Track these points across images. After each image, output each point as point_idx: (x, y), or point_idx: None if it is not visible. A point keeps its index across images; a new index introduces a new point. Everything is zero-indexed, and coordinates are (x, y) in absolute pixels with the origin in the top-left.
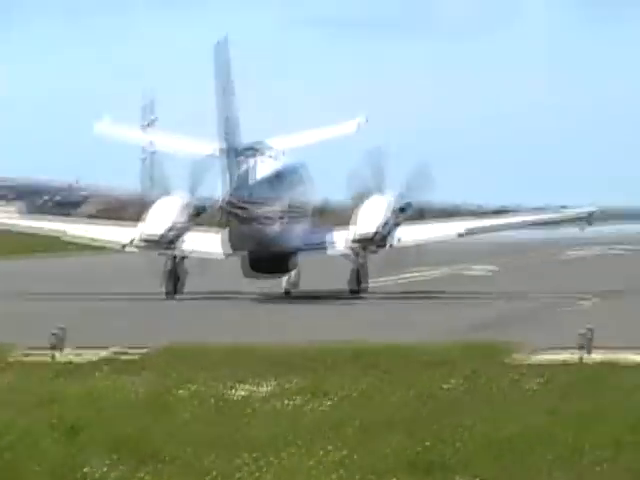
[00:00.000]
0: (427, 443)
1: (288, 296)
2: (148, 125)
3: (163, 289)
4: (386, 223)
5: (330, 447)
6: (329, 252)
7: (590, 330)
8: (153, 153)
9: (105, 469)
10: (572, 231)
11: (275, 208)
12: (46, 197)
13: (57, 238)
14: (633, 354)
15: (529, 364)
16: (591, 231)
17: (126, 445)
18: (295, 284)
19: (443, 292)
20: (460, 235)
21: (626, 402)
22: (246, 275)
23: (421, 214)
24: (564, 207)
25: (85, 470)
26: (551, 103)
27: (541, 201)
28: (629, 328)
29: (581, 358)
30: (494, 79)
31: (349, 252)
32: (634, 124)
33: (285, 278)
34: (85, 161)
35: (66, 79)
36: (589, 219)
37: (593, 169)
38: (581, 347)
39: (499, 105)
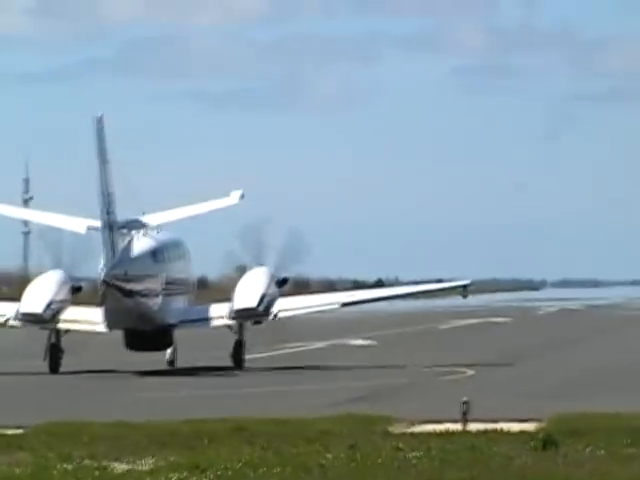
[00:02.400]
0: None
1: (171, 367)
2: (27, 201)
3: (46, 363)
4: (266, 295)
5: None
6: (213, 324)
7: (466, 403)
8: (27, 232)
9: None
10: (450, 302)
11: (153, 284)
12: None
13: None
14: (508, 424)
15: (410, 434)
16: (470, 301)
17: None
18: (172, 362)
19: (322, 366)
20: (339, 306)
21: (502, 471)
22: (129, 349)
23: (300, 288)
24: (439, 280)
25: None
26: (424, 179)
27: (417, 274)
28: (504, 400)
29: (461, 428)
30: (365, 149)
31: (232, 323)
32: (503, 197)
33: (168, 350)
34: None
35: None
36: (464, 291)
37: (467, 243)
38: (460, 418)
39: (375, 177)
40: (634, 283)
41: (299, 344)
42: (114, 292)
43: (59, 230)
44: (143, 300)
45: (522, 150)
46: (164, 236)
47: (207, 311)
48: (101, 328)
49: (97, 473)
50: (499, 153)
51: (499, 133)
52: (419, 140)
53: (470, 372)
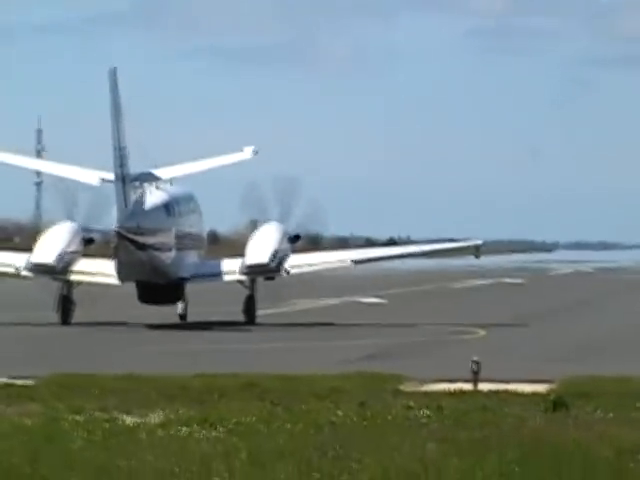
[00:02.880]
0: (317, 474)
1: (183, 321)
2: (39, 152)
3: (58, 315)
4: (278, 251)
5: (218, 478)
6: (225, 279)
7: (477, 363)
8: (40, 183)
9: None
10: (463, 262)
11: (166, 237)
12: None
13: None
14: (520, 385)
15: (421, 393)
16: (483, 261)
17: (16, 473)
18: (184, 316)
19: (334, 323)
20: (351, 263)
21: (513, 432)
22: (142, 301)
23: (312, 245)
24: (452, 240)
25: None
26: (438, 139)
27: (429, 233)
28: (516, 361)
29: (472, 388)
30: (380, 109)
31: (244, 279)
32: (516, 160)
33: (180, 304)
34: None
35: None
36: (477, 251)
37: (480, 203)
38: (470, 378)
39: (388, 137)
40: None
41: (311, 300)
42: (126, 244)
43: (72, 181)
44: (155, 253)
45: (536, 114)
46: (176, 190)
47: (219, 266)
48: (113, 280)
49: (107, 425)
50: (514, 117)
51: (514, 96)
52: (433, 102)
53: (482, 332)
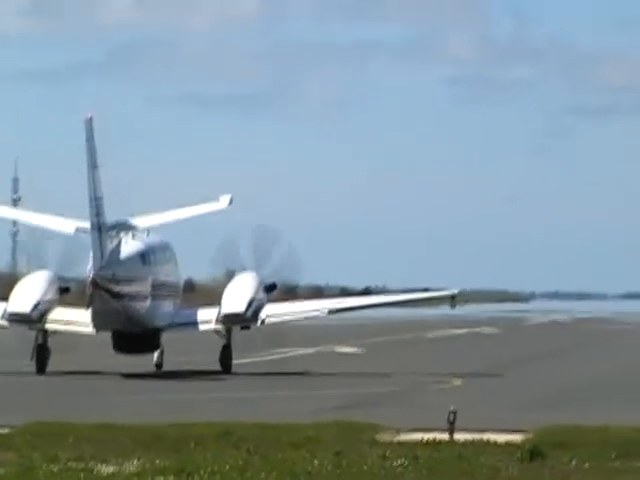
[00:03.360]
0: None
1: (159, 370)
2: (15, 201)
3: (33, 364)
4: (254, 300)
5: None
6: (201, 328)
7: (453, 412)
8: (16, 232)
9: None
10: (439, 312)
11: (142, 286)
12: None
13: None
14: (496, 434)
15: (397, 442)
16: (458, 311)
17: None
18: (159, 365)
19: (309, 372)
20: (328, 313)
21: None
22: (117, 351)
23: (288, 294)
24: (427, 289)
25: None
26: (416, 188)
27: (405, 282)
28: (492, 410)
29: (448, 437)
30: (357, 157)
31: (220, 328)
32: (493, 210)
33: (156, 353)
34: None
35: None
36: (452, 301)
37: (456, 252)
38: (446, 428)
39: (365, 185)
40: (623, 297)
41: (286, 350)
42: (102, 294)
43: (48, 231)
44: (131, 302)
45: (513, 163)
46: (153, 239)
47: (195, 315)
48: (89, 329)
49: (83, 475)
50: (490, 165)
51: (490, 145)
52: (410, 150)
53: (457, 382)
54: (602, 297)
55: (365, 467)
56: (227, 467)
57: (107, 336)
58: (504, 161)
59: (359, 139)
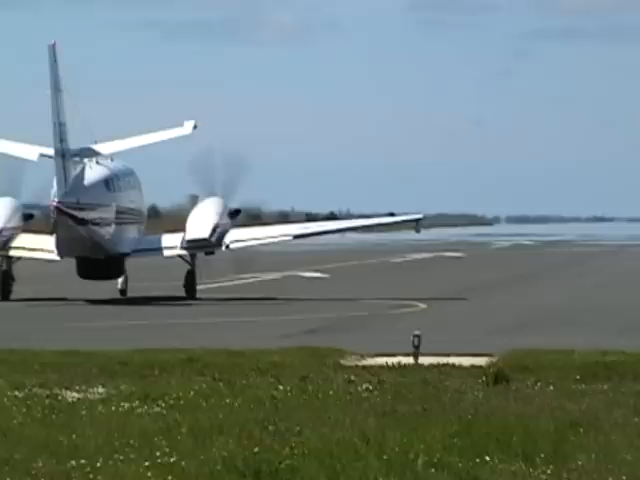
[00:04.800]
0: (257, 448)
1: (123, 296)
2: None
3: None
4: (219, 226)
5: (159, 452)
6: (165, 254)
7: (418, 336)
8: None
9: None
10: (403, 236)
11: (106, 212)
12: None
13: None
14: (460, 358)
15: (362, 367)
16: (423, 235)
17: None
18: (123, 291)
19: (275, 297)
20: (291, 237)
21: (453, 405)
22: (82, 277)
23: (253, 219)
24: (392, 214)
25: None
26: (380, 111)
27: (369, 208)
28: (457, 334)
29: (413, 361)
30: (320, 81)
31: (185, 253)
32: (459, 133)
33: (120, 279)
34: None
35: None
36: (417, 225)
37: (422, 177)
38: (411, 352)
39: (330, 110)
40: (587, 220)
41: (252, 275)
42: (66, 220)
43: (11, 157)
44: (95, 228)
45: (480, 87)
46: (116, 165)
47: (159, 241)
48: (53, 256)
49: (48, 401)
50: (457, 89)
51: (457, 68)
52: (376, 74)
53: (422, 306)
54: (569, 220)
55: (331, 392)
56: (192, 393)
57: (71, 262)
58: (470, 85)
59: (324, 64)
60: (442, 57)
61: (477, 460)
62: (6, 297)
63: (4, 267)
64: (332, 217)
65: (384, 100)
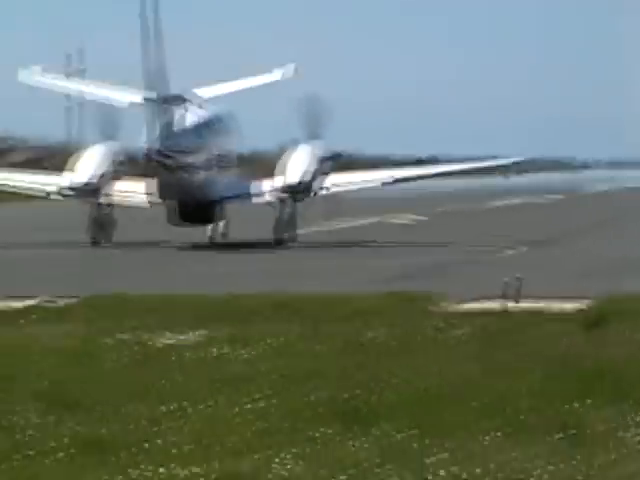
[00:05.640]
0: (353, 392)
1: (213, 244)
2: (75, 74)
3: (89, 237)
4: (312, 172)
5: (250, 398)
6: (254, 201)
7: (518, 279)
8: (79, 103)
9: (27, 418)
10: (499, 181)
11: (201, 157)
12: None
13: None
14: (557, 302)
15: (455, 313)
16: (519, 180)
17: (48, 394)
18: (225, 234)
19: (369, 242)
20: (388, 183)
21: (549, 351)
22: (171, 223)
23: (350, 164)
24: (493, 157)
25: (6, 419)
26: (483, 54)
27: (470, 151)
28: (554, 278)
29: (507, 307)
30: (423, 30)
31: (274, 200)
32: (565, 79)
33: (210, 226)
34: (8, 111)
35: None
36: (517, 169)
37: (522, 121)
38: (508, 296)
39: (428, 55)
40: None
41: (345, 220)
42: (159, 165)
43: (103, 103)
44: (189, 174)
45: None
46: (212, 110)
47: (253, 186)
48: (146, 202)
49: (139, 346)
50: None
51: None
52: (468, 25)
53: (519, 249)
54: None
55: (420, 338)
56: (282, 339)
57: (165, 208)
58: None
59: (423, 7)
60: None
61: (570, 405)
62: (99, 243)
63: (97, 213)
64: (419, 162)
65: (473, 42)
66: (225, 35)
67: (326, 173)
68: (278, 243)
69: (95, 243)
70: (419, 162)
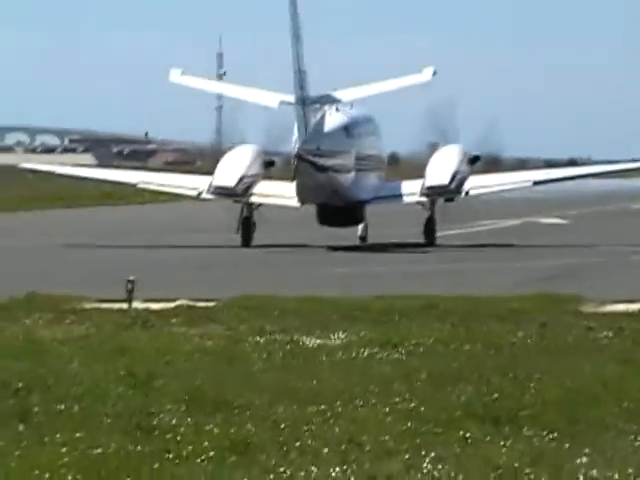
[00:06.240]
0: (496, 395)
1: (363, 243)
2: (220, 76)
3: (239, 236)
4: (458, 172)
5: (399, 398)
6: (405, 201)
7: None
8: (220, 107)
9: (177, 418)
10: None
11: (346, 159)
12: (116, 149)
13: (130, 187)
14: None
15: (601, 314)
16: None
17: (197, 395)
18: (364, 238)
19: (514, 244)
20: (532, 184)
21: None
22: (321, 224)
23: (491, 167)
24: (636, 160)
25: (157, 419)
26: (630, 55)
27: (610, 154)
28: None
29: None
30: (565, 30)
31: (424, 200)
32: None
33: (360, 226)
34: (154, 113)
35: (137, 31)
36: None
37: None
38: None
39: (569, 56)
40: None
41: (490, 222)
42: (307, 167)
43: (252, 105)
44: (335, 175)
45: None
46: (356, 112)
47: (399, 188)
48: (293, 203)
49: (288, 347)
50: None
51: None
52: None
53: None
54: None
55: (570, 338)
56: (432, 339)
57: (311, 209)
58: None
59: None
60: None
61: None
62: (248, 243)
63: (245, 213)
64: (572, 163)
65: (610, 48)
66: (368, 38)
67: (470, 174)
68: (430, 242)
69: (246, 243)
70: (571, 163)
